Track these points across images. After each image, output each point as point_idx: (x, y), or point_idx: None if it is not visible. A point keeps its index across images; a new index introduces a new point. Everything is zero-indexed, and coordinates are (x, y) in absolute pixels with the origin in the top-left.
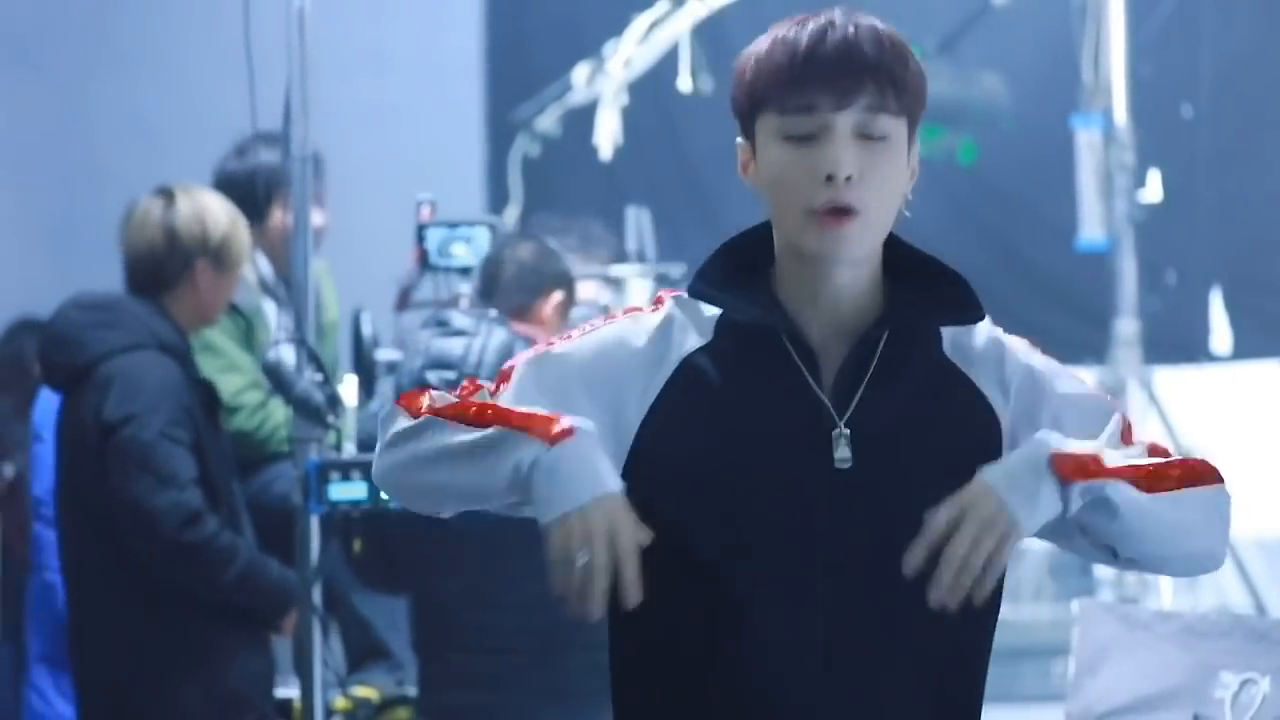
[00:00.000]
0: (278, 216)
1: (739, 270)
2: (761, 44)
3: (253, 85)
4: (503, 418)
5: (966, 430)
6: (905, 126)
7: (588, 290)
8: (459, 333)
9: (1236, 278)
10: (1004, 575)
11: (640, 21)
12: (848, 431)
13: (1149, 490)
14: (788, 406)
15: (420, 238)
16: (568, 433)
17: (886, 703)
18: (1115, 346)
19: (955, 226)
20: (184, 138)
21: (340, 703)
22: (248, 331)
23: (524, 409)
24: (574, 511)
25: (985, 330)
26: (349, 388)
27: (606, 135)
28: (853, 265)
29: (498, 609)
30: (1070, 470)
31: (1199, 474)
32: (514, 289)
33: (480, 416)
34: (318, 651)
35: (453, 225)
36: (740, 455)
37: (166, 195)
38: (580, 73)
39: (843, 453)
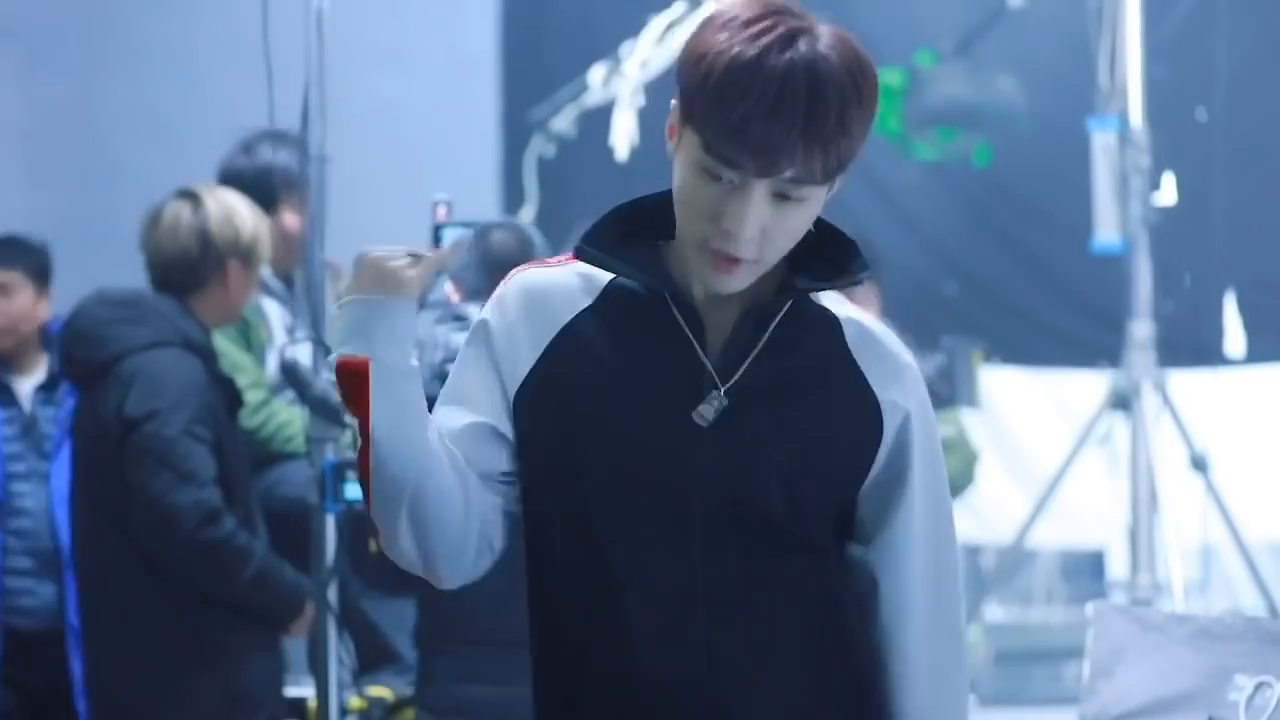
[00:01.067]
0: (284, 216)
1: (631, 235)
2: (721, 47)
3: (270, 85)
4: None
5: (848, 413)
6: (829, 187)
7: None
8: None
9: (1251, 281)
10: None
11: (657, 22)
12: (725, 399)
13: None
14: (670, 370)
15: (436, 238)
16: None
17: (768, 668)
18: (1130, 349)
19: (970, 229)
20: (201, 136)
21: (355, 702)
22: (245, 331)
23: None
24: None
25: (902, 352)
26: None
27: (622, 136)
28: None
29: (509, 602)
30: None
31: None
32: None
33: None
34: (333, 650)
35: (469, 225)
36: (618, 419)
37: (192, 198)
38: (596, 74)
39: (706, 411)
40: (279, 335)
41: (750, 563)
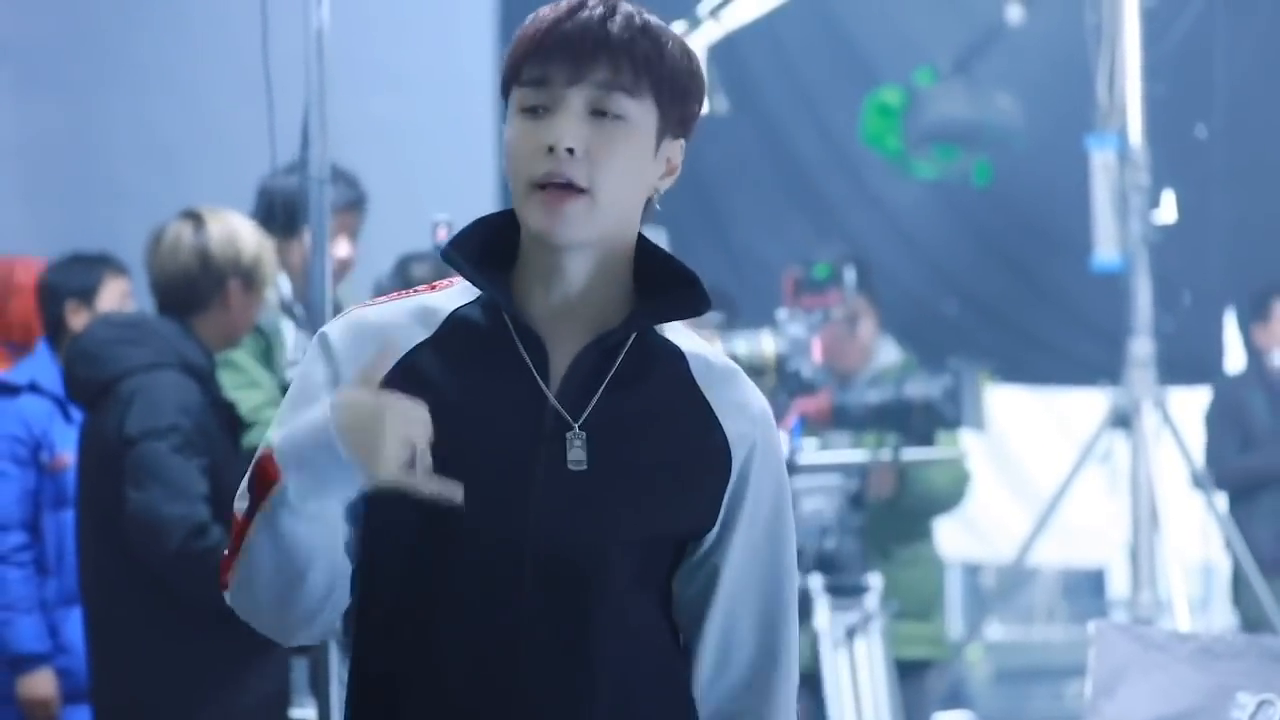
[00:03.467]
0: (300, 244)
1: (490, 251)
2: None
3: (271, 105)
4: (248, 513)
5: (698, 448)
6: (653, 112)
7: None
8: None
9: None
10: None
11: None
12: (583, 434)
13: None
14: (510, 403)
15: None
16: (273, 467)
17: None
18: (1130, 367)
19: (970, 248)
20: (201, 158)
21: None
22: (267, 350)
23: (241, 493)
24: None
25: (746, 383)
26: None
27: None
28: (582, 250)
29: None
30: None
31: None
32: None
33: (240, 534)
34: (334, 672)
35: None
36: (454, 455)
37: (195, 218)
38: None
39: (576, 455)
40: (291, 357)
41: (579, 603)
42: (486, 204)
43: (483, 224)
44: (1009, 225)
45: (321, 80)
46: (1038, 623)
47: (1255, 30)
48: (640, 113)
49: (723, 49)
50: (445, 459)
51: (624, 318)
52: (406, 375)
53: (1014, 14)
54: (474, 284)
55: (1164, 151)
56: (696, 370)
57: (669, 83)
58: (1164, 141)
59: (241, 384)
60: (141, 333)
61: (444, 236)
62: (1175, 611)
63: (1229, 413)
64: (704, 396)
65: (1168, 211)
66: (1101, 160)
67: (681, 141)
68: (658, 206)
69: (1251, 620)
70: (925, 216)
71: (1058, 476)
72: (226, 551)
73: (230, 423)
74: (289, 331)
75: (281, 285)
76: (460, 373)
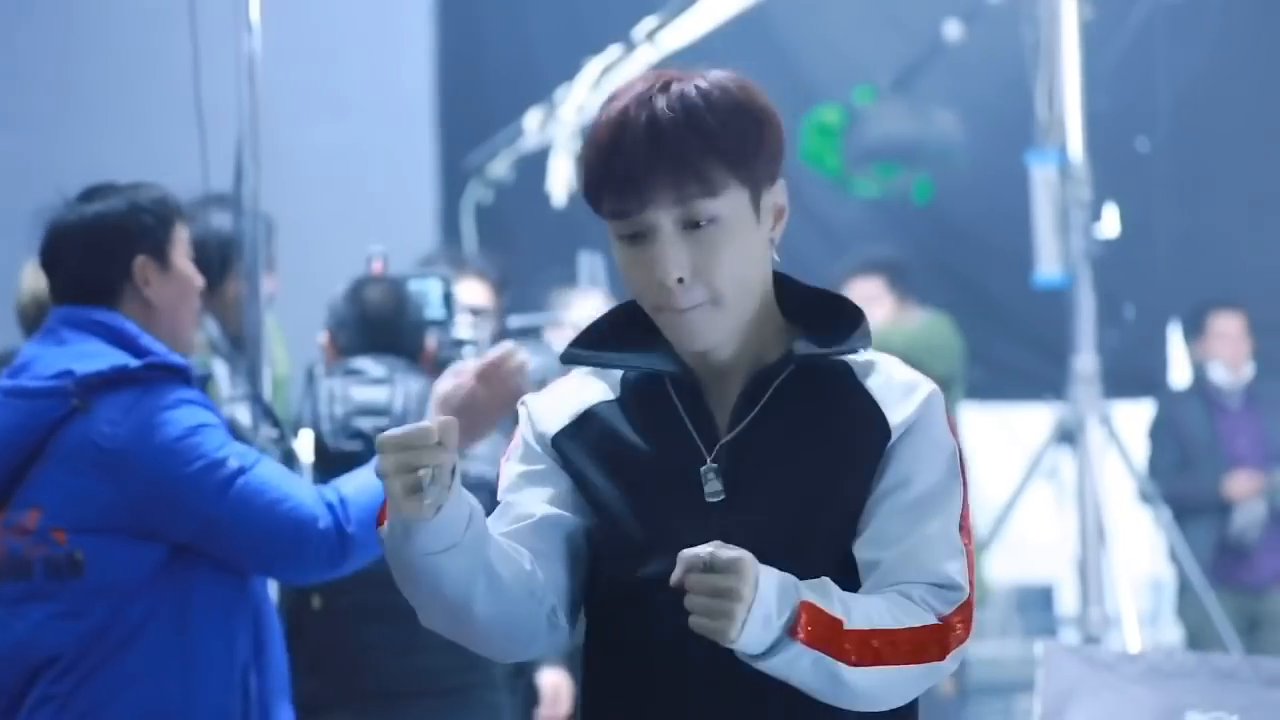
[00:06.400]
0: (231, 285)
1: (635, 326)
2: (590, 134)
3: (203, 136)
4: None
5: (854, 441)
6: (741, 189)
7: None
8: (379, 380)
9: (1194, 311)
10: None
11: (592, 67)
12: (715, 465)
13: (868, 663)
14: (666, 448)
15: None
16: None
17: None
18: (1074, 382)
19: (912, 264)
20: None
21: None
22: (204, 390)
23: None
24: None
25: (912, 374)
26: (305, 443)
27: (559, 181)
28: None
29: (413, 654)
30: (808, 632)
31: (926, 650)
32: (408, 333)
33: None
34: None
35: (403, 279)
36: (627, 499)
37: None
38: (532, 119)
39: (712, 486)
40: (224, 394)
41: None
42: (426, 231)
43: (618, 312)
44: (951, 242)
45: (254, 109)
46: (989, 638)
47: (1196, 42)
48: (729, 201)
49: None
50: (617, 503)
51: (780, 353)
52: (587, 419)
53: (953, 31)
54: (610, 366)
55: (1106, 165)
56: (860, 371)
57: (741, 149)
58: (1106, 155)
59: None
60: None
61: (379, 269)
62: (1125, 627)
63: (1169, 427)
64: (869, 392)
65: (1110, 225)
66: (1042, 176)
67: (779, 183)
68: (776, 257)
69: (1196, 633)
70: (867, 235)
71: (1006, 492)
72: None
73: None
74: (222, 373)
75: (210, 328)
76: (631, 425)
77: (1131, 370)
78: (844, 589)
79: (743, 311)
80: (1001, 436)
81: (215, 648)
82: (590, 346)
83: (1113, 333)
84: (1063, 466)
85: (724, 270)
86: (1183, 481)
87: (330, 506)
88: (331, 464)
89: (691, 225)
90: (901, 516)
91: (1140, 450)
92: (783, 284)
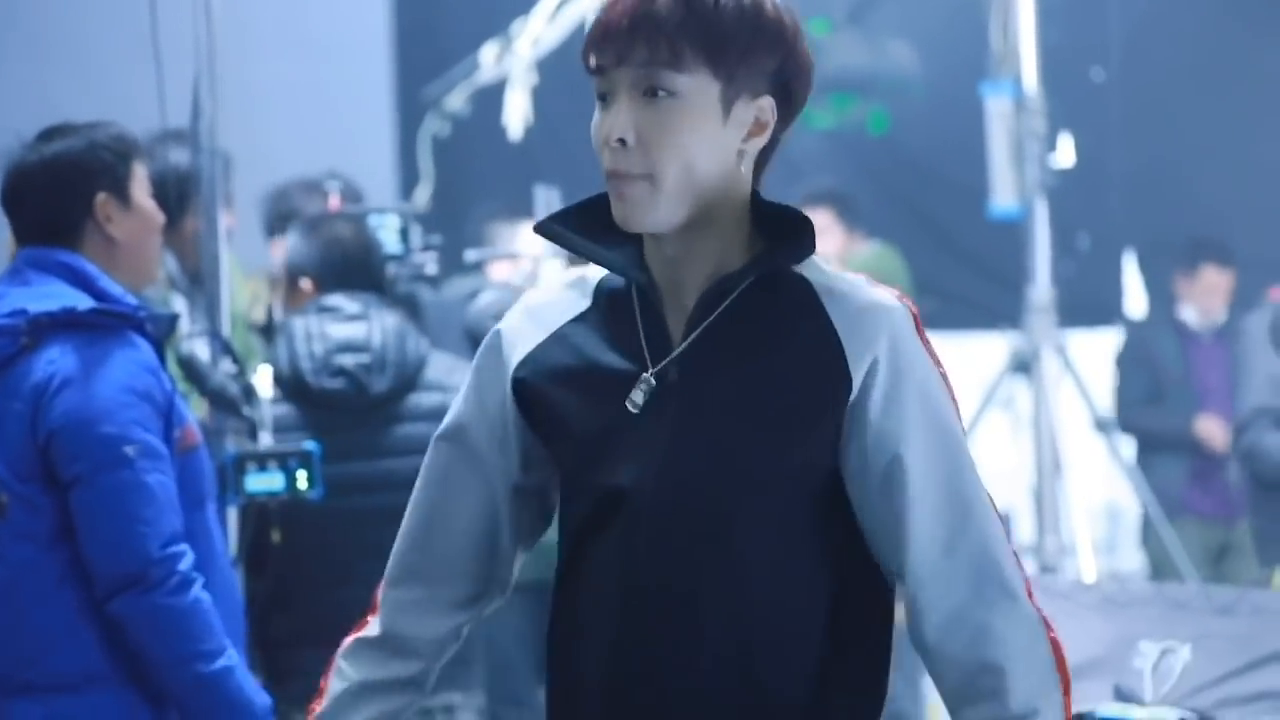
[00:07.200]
0: (190, 221)
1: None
2: None
3: (160, 74)
4: None
5: (803, 380)
6: (711, 80)
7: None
8: (355, 317)
9: (1149, 240)
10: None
11: (548, 0)
12: (648, 378)
13: (1067, 690)
14: (618, 358)
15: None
16: None
17: (683, 670)
18: (1029, 312)
19: (868, 196)
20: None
21: None
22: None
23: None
24: None
25: (875, 294)
26: (263, 378)
27: (516, 114)
28: (669, 230)
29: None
30: None
31: (1041, 635)
32: (376, 268)
33: None
34: None
35: (362, 214)
36: (578, 412)
37: None
38: (488, 52)
39: (636, 398)
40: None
41: (671, 553)
42: (384, 164)
43: (596, 198)
44: (907, 173)
45: (211, 48)
46: None
47: None
48: (694, 85)
49: None
50: (562, 424)
51: (740, 264)
52: (559, 342)
53: None
54: (581, 254)
55: (1060, 97)
56: (820, 289)
57: (725, 45)
58: (1060, 86)
59: None
60: None
61: (337, 205)
62: (1080, 556)
63: (1138, 357)
64: (828, 315)
65: (1065, 155)
66: (997, 107)
67: (767, 99)
68: (743, 169)
69: (1159, 563)
70: (823, 166)
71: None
72: None
73: None
74: (181, 308)
75: (169, 264)
76: (598, 335)
77: (1086, 300)
78: (802, 527)
79: (683, 200)
80: (957, 366)
81: None
82: (567, 226)
83: (1068, 263)
84: (1018, 396)
85: (667, 148)
86: (1153, 414)
87: (180, 558)
88: (316, 402)
89: (650, 93)
90: (935, 517)
91: (1099, 379)
92: (761, 206)
